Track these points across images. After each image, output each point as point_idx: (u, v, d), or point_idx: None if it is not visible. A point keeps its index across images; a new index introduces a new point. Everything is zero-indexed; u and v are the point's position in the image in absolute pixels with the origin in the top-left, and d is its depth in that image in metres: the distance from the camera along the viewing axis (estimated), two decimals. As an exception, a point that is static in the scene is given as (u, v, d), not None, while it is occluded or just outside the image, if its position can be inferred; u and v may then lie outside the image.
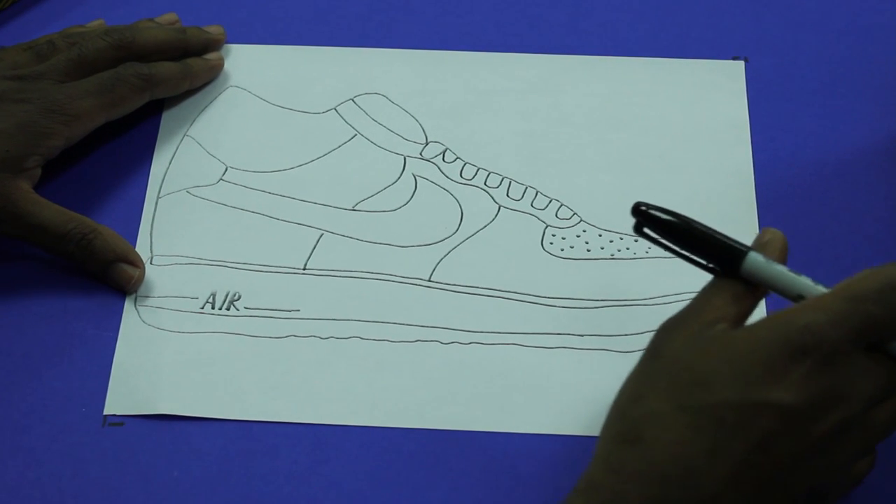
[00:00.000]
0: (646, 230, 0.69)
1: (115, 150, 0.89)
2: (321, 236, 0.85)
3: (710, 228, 0.69)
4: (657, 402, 0.64)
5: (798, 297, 0.67)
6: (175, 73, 0.90)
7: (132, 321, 0.82)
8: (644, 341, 0.79)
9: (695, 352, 0.65)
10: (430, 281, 0.83)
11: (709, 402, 0.63)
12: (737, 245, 0.68)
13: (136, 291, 0.83)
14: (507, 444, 0.77)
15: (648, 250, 0.84)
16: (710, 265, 0.69)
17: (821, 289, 0.67)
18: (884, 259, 0.82)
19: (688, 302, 0.68)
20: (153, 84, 0.88)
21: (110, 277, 0.83)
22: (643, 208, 0.69)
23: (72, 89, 0.85)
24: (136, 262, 0.83)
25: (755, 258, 0.67)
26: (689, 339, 0.66)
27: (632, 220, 0.85)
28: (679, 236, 0.69)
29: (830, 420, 0.63)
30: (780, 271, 0.67)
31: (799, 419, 0.63)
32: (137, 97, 0.88)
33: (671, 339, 0.66)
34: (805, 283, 0.67)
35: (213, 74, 0.92)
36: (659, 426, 0.64)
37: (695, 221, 0.69)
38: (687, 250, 0.69)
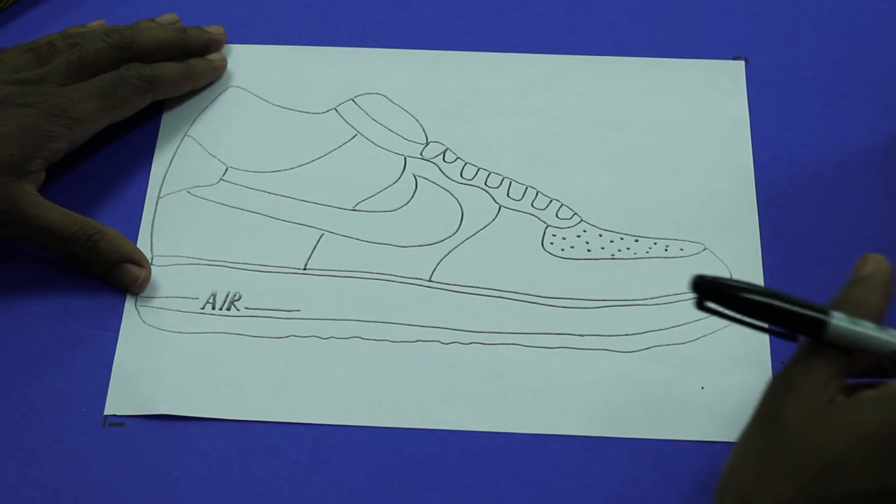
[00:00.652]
0: (708, 304, 0.65)
1: (115, 151, 0.89)
2: (322, 236, 0.85)
3: (781, 295, 0.65)
4: (783, 489, 0.61)
5: (893, 353, 0.64)
6: (177, 73, 0.90)
7: (133, 321, 0.82)
8: (644, 341, 0.80)
9: (818, 430, 0.62)
10: (430, 281, 0.83)
11: (840, 492, 0.60)
12: (815, 314, 0.64)
13: (142, 292, 0.83)
14: (507, 444, 0.77)
15: (649, 250, 0.84)
16: (791, 333, 0.65)
17: None
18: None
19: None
20: (155, 85, 0.88)
21: (116, 278, 0.83)
22: (704, 282, 0.64)
23: (74, 92, 0.85)
24: (142, 263, 0.83)
25: (836, 327, 0.64)
26: (808, 409, 0.62)
27: (633, 221, 0.85)
28: (750, 309, 0.65)
29: None
30: (866, 335, 0.64)
31: None
32: (140, 99, 0.88)
33: (788, 407, 0.63)
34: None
35: (215, 75, 0.92)
36: None
37: (762, 289, 0.65)
38: (760, 320, 0.65)
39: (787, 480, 0.61)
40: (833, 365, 0.64)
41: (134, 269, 0.83)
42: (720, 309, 0.65)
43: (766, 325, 0.65)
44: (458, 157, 0.88)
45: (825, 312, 0.64)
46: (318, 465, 0.76)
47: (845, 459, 0.61)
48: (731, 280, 0.65)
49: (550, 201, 0.86)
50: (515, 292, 0.82)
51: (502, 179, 0.87)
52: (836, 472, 0.61)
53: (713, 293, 0.65)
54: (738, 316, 0.65)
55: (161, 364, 0.80)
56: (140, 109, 0.89)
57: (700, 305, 0.65)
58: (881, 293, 0.66)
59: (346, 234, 0.85)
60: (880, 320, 0.66)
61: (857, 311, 0.65)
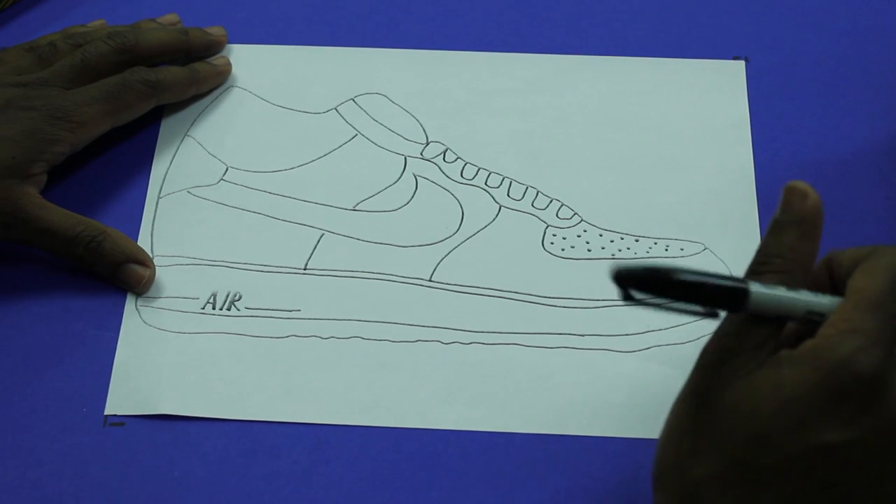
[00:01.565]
0: (634, 294, 0.63)
1: (116, 151, 0.89)
2: (322, 236, 0.85)
3: (698, 274, 0.64)
4: (716, 462, 0.62)
5: (808, 314, 0.64)
6: (181, 78, 0.89)
7: (133, 321, 0.82)
8: (644, 341, 0.80)
9: (743, 400, 0.62)
10: (430, 281, 0.83)
11: (770, 458, 0.61)
12: (736, 285, 0.64)
13: (147, 291, 0.83)
14: (508, 444, 0.77)
15: (649, 250, 0.84)
16: (712, 311, 0.65)
17: (820, 298, 0.64)
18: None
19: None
20: (159, 90, 0.88)
21: (120, 279, 0.83)
22: (624, 272, 0.63)
23: (77, 96, 0.85)
24: (146, 262, 0.83)
25: (756, 298, 0.63)
26: (734, 380, 0.63)
27: (633, 221, 0.86)
28: (673, 292, 0.64)
29: (893, 443, 0.61)
30: (782, 299, 0.64)
31: (862, 452, 0.61)
32: (144, 103, 0.88)
33: (716, 380, 0.63)
34: (807, 298, 0.64)
35: (220, 80, 0.92)
36: (722, 488, 0.62)
37: (683, 271, 0.64)
38: (680, 302, 0.64)
39: (720, 452, 0.62)
40: (758, 333, 0.64)
41: (139, 269, 0.83)
42: (647, 298, 0.64)
43: (691, 308, 0.64)
44: (458, 157, 0.88)
45: (744, 283, 0.64)
46: (318, 465, 0.76)
47: (770, 426, 0.61)
48: (650, 266, 0.64)
49: (551, 201, 0.86)
50: (516, 292, 0.82)
51: (503, 179, 0.87)
52: (764, 439, 0.61)
53: (631, 282, 0.63)
54: (666, 303, 0.64)
55: (161, 364, 0.80)
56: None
57: (626, 298, 0.64)
58: (811, 237, 0.66)
59: (347, 234, 0.85)
60: (810, 267, 0.66)
61: (788, 266, 0.65)
